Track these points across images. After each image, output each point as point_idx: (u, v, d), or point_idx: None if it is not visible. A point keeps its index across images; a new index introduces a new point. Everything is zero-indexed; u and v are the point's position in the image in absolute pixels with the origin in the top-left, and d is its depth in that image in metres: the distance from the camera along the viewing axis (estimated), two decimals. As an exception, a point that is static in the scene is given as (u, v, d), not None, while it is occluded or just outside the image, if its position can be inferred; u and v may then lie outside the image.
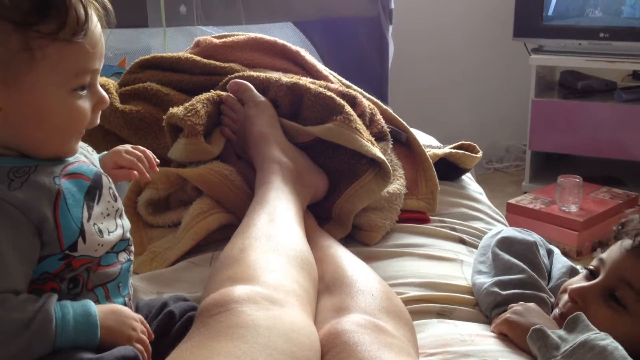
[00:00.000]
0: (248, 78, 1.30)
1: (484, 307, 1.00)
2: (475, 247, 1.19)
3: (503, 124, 3.38)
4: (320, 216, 1.21)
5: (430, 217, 1.29)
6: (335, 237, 1.15)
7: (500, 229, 1.16)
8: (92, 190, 0.77)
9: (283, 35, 2.30)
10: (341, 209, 1.20)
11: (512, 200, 2.64)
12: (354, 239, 1.21)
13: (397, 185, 1.26)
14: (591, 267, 0.96)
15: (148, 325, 0.80)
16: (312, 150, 1.25)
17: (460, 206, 1.35)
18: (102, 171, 0.80)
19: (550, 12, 2.98)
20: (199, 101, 1.23)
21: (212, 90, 1.29)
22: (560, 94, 3.11)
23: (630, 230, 0.94)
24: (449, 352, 0.88)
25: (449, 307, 1.01)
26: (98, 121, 0.78)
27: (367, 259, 1.10)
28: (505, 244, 1.06)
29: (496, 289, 0.98)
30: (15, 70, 0.69)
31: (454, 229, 1.26)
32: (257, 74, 1.33)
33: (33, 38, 0.69)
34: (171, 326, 0.84)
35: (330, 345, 0.74)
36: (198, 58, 1.40)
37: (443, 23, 3.34)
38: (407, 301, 1.00)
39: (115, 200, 0.81)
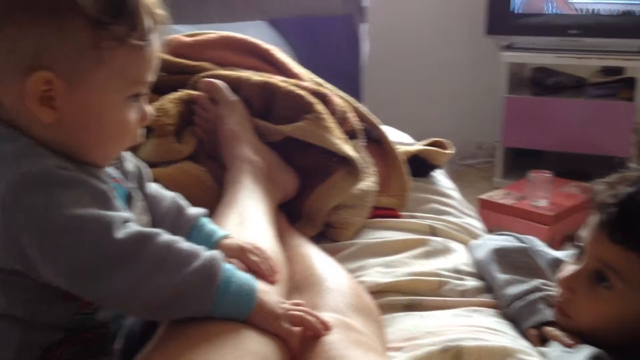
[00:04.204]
0: (219, 77, 1.30)
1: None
2: (447, 234, 1.21)
3: (475, 120, 3.42)
4: (291, 214, 1.21)
5: (401, 214, 1.31)
6: (306, 235, 1.16)
7: (482, 241, 1.17)
8: (129, 198, 0.77)
9: (257, 33, 2.29)
10: (312, 207, 1.20)
11: (484, 196, 2.67)
12: (324, 236, 1.22)
13: (368, 182, 1.26)
14: (579, 244, 0.95)
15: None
16: (283, 148, 1.25)
17: (431, 202, 1.36)
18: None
19: (520, 9, 3.02)
20: (170, 101, 1.23)
21: (182, 90, 1.29)
22: (532, 90, 3.16)
23: (597, 204, 0.92)
24: (417, 344, 0.89)
25: (416, 299, 1.03)
26: (140, 138, 0.77)
27: (335, 253, 1.12)
28: (501, 255, 1.07)
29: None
30: (82, 67, 0.68)
31: (424, 222, 1.27)
32: (229, 72, 1.32)
33: (104, 38, 0.68)
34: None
35: (300, 345, 0.75)
36: (168, 57, 1.39)
37: (416, 21, 3.36)
38: (374, 293, 1.02)
39: (145, 215, 0.80)
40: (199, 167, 1.21)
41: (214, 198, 1.17)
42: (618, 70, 3.11)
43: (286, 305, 0.75)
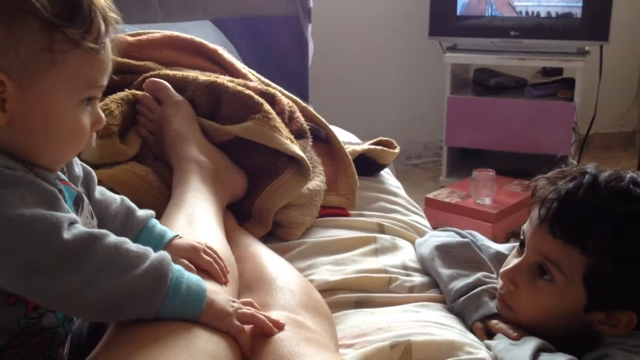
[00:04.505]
0: (164, 77, 1.28)
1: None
2: (395, 232, 1.23)
3: (421, 120, 3.47)
4: (240, 214, 1.21)
5: (350, 212, 1.31)
6: (255, 235, 1.15)
7: (425, 238, 1.19)
8: (78, 200, 0.75)
9: (202, 33, 2.27)
10: (261, 207, 1.20)
11: (430, 195, 2.71)
12: (275, 236, 1.22)
13: (317, 182, 1.27)
14: (521, 238, 0.97)
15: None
16: (231, 149, 1.24)
17: (379, 200, 1.38)
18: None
19: (462, 12, 3.08)
20: (113, 101, 1.21)
21: (126, 90, 1.26)
22: (474, 91, 3.22)
23: (536, 199, 0.94)
24: (367, 340, 0.90)
25: (365, 296, 1.04)
26: (94, 143, 0.76)
27: (285, 252, 1.12)
28: (443, 251, 1.08)
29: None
30: (34, 70, 0.67)
31: (372, 220, 1.28)
32: (174, 72, 1.31)
33: (58, 40, 0.67)
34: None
35: (251, 343, 0.74)
36: (112, 56, 1.36)
37: (362, 22, 3.39)
38: (325, 291, 1.02)
39: (92, 218, 0.79)
40: (144, 168, 1.19)
41: (160, 199, 1.16)
42: (557, 71, 3.20)
43: (236, 304, 0.75)
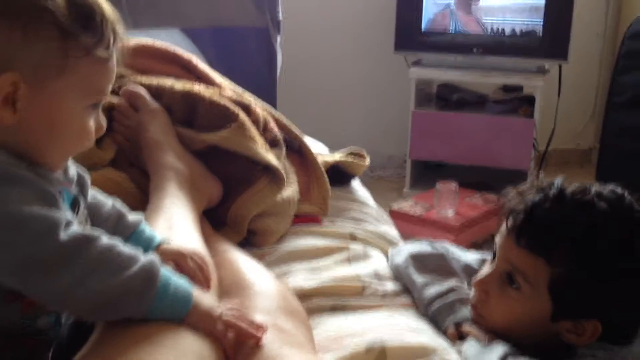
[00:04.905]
0: (140, 84, 1.29)
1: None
2: (366, 241, 1.26)
3: (385, 133, 3.53)
4: (214, 221, 1.22)
5: (322, 221, 1.34)
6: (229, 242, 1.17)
7: (400, 247, 1.22)
8: (75, 203, 0.77)
9: (171, 41, 2.27)
10: (236, 215, 1.22)
11: (395, 207, 2.76)
12: (249, 243, 1.23)
13: (290, 191, 1.29)
14: (494, 250, 1.00)
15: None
16: (206, 157, 1.26)
17: (350, 210, 1.41)
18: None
19: (426, 27, 3.14)
20: (91, 107, 1.21)
21: (103, 96, 1.27)
22: (437, 105, 3.29)
23: (506, 210, 0.97)
24: (342, 345, 0.92)
25: (340, 301, 1.06)
26: (92, 144, 0.78)
27: (260, 259, 1.14)
28: (418, 260, 1.12)
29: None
30: (46, 74, 0.69)
31: (344, 228, 1.31)
32: (150, 80, 1.32)
33: (71, 47, 0.69)
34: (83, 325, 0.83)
35: (235, 346, 0.76)
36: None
37: (328, 37, 3.44)
38: (300, 297, 1.04)
39: (87, 223, 0.80)
40: (120, 174, 1.20)
41: (136, 205, 1.16)
42: (518, 88, 3.29)
43: (222, 308, 0.77)
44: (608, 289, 0.90)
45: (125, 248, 0.71)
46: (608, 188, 0.95)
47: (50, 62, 0.69)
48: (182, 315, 0.73)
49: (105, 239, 0.70)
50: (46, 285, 0.66)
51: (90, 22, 0.71)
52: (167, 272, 0.73)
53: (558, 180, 0.96)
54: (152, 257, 0.73)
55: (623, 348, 0.91)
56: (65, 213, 0.70)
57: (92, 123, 0.75)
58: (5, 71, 0.68)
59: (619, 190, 0.95)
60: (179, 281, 0.74)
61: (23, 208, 0.66)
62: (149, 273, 0.71)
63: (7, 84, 0.68)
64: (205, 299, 0.76)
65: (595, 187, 0.95)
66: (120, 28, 0.75)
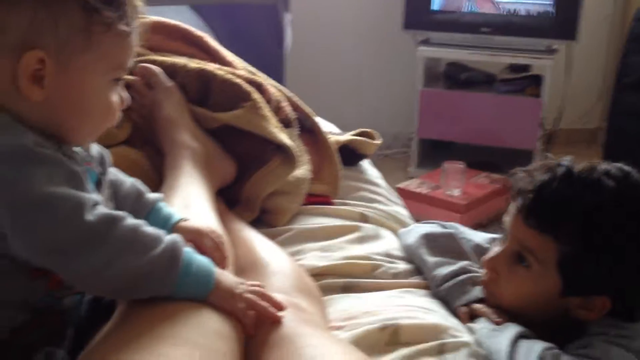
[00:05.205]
0: (155, 62, 1.30)
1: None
2: (377, 221, 1.27)
3: (391, 112, 3.53)
4: (228, 200, 1.23)
5: (334, 201, 1.35)
6: (243, 220, 1.18)
7: (411, 227, 1.23)
8: (99, 182, 0.78)
9: (181, 18, 2.26)
10: (249, 193, 1.23)
11: (401, 185, 2.77)
12: (261, 221, 1.25)
13: (303, 170, 1.30)
14: (504, 227, 1.01)
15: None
16: (220, 135, 1.26)
17: (361, 190, 1.42)
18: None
19: (436, 6, 3.13)
20: (106, 85, 1.22)
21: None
22: (445, 84, 3.29)
23: (515, 190, 0.99)
24: (356, 323, 0.94)
25: (352, 281, 1.08)
26: (117, 119, 0.79)
27: (273, 238, 1.15)
28: (429, 239, 1.13)
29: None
30: (71, 49, 0.70)
31: (355, 209, 1.32)
32: (163, 58, 1.32)
33: (95, 22, 0.70)
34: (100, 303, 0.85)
35: (255, 323, 0.78)
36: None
37: (337, 14, 3.42)
38: (312, 276, 1.06)
39: (111, 201, 0.81)
40: (136, 152, 1.21)
41: (151, 183, 1.16)
42: (525, 68, 3.29)
43: (243, 286, 0.78)
44: (615, 265, 0.92)
45: (149, 228, 0.72)
46: (615, 166, 0.96)
47: (75, 38, 0.70)
48: (205, 294, 0.74)
49: (130, 219, 0.71)
50: (73, 266, 0.67)
51: None
52: (190, 251, 0.75)
53: (566, 160, 0.97)
54: (175, 236, 0.74)
55: (635, 325, 0.93)
56: (91, 194, 0.71)
57: (115, 97, 0.77)
58: (31, 48, 0.68)
59: (626, 168, 0.96)
60: (202, 260, 0.75)
61: (50, 189, 0.67)
62: (173, 252, 0.72)
63: (33, 61, 0.69)
64: (227, 277, 0.78)
65: (602, 166, 0.96)
66: (139, 3, 0.76)
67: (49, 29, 0.69)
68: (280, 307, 0.80)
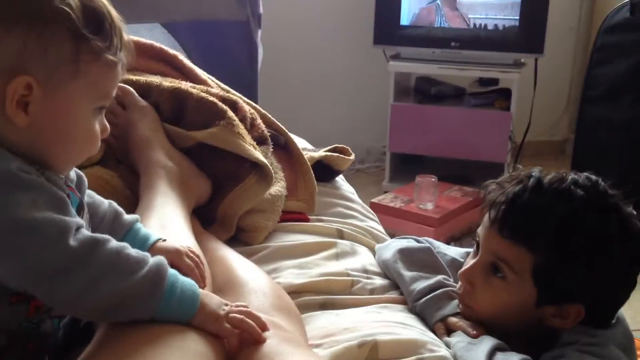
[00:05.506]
0: (128, 82, 1.29)
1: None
2: (353, 239, 1.28)
3: (364, 126, 3.55)
4: (203, 219, 1.23)
5: (309, 217, 1.36)
6: (219, 239, 1.18)
7: (387, 243, 1.24)
8: (80, 207, 0.78)
9: (151, 36, 2.27)
10: (225, 212, 1.23)
11: (375, 200, 2.78)
12: (237, 240, 1.25)
13: (278, 187, 1.31)
14: (477, 240, 1.03)
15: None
16: (195, 154, 1.26)
17: (337, 206, 1.42)
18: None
19: (411, 21, 3.17)
20: (79, 105, 1.21)
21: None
22: (416, 98, 3.32)
23: (487, 202, 1.01)
24: (334, 340, 0.94)
25: (330, 298, 1.08)
26: (98, 148, 0.80)
27: (249, 256, 1.15)
28: (405, 254, 1.14)
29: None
30: (59, 77, 0.70)
31: (332, 225, 1.33)
32: (137, 77, 1.32)
33: (83, 51, 0.71)
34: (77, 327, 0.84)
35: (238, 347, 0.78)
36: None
37: (308, 30, 3.44)
38: (290, 293, 1.06)
39: (89, 227, 0.81)
40: (109, 172, 1.20)
41: (125, 203, 1.16)
42: (493, 81, 3.34)
43: (227, 308, 0.78)
44: (589, 273, 0.94)
45: (133, 251, 0.72)
46: (583, 175, 0.99)
47: (64, 66, 0.71)
48: (189, 316, 0.74)
49: (113, 242, 0.71)
50: (57, 289, 0.67)
51: (101, 27, 0.72)
52: (174, 274, 0.75)
53: (536, 171, 1.00)
54: (160, 258, 0.74)
55: (606, 332, 0.95)
56: (75, 218, 0.71)
57: (97, 126, 0.77)
58: (20, 74, 0.69)
59: (593, 177, 0.99)
60: (186, 282, 0.75)
61: (35, 213, 0.67)
62: (157, 275, 0.72)
63: (21, 86, 0.69)
64: (212, 299, 0.78)
65: (571, 175, 0.98)
66: (125, 34, 0.77)
67: (39, 56, 0.69)
68: (264, 327, 0.80)
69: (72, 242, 0.68)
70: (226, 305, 0.78)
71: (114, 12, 0.75)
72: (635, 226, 0.96)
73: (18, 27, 0.68)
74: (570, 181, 0.97)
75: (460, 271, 1.04)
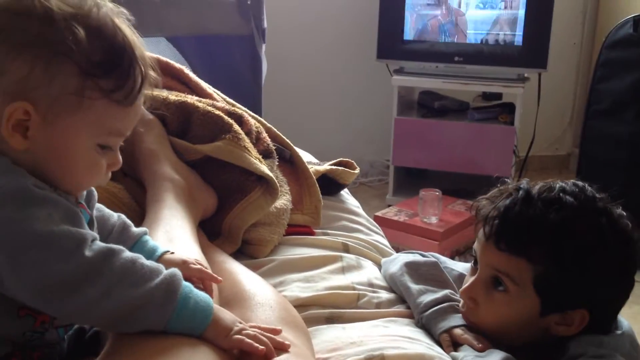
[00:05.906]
0: (135, 95, 1.30)
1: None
2: (358, 253, 1.28)
3: (368, 140, 3.56)
4: (208, 232, 1.23)
5: (315, 231, 1.36)
6: (225, 252, 1.18)
7: (394, 257, 1.24)
8: (90, 223, 0.78)
9: (157, 50, 2.29)
10: (231, 225, 1.23)
11: (379, 213, 2.78)
12: (242, 253, 1.24)
13: (283, 200, 1.31)
14: (474, 256, 1.03)
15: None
16: (201, 167, 1.27)
17: (342, 219, 1.42)
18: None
19: (409, 36, 3.18)
20: (86, 118, 1.21)
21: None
22: (419, 113, 3.32)
23: (480, 218, 1.01)
24: (341, 354, 0.94)
25: (336, 311, 1.08)
26: (107, 180, 0.79)
27: (255, 269, 1.15)
28: (412, 268, 1.14)
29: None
30: (60, 109, 0.70)
31: (337, 239, 1.33)
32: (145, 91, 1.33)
33: (89, 88, 0.70)
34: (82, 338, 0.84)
35: (246, 356, 0.77)
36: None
37: (311, 45, 3.46)
38: (296, 307, 1.05)
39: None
40: (115, 185, 1.20)
41: (132, 216, 1.16)
42: (497, 96, 3.34)
43: (241, 325, 0.77)
44: (588, 277, 0.94)
45: (147, 261, 0.72)
46: (570, 182, 1.00)
47: (66, 99, 0.70)
48: (201, 329, 0.74)
49: (127, 252, 0.72)
50: (70, 299, 0.67)
51: (115, 67, 0.72)
52: (189, 286, 0.74)
53: (524, 183, 1.00)
54: (174, 270, 0.74)
55: (611, 339, 0.95)
56: (89, 231, 0.72)
57: (102, 160, 0.76)
58: (20, 99, 0.69)
59: (579, 183, 1.00)
60: (200, 295, 0.75)
61: (51, 227, 0.67)
62: (170, 285, 0.72)
63: (19, 111, 0.69)
64: (226, 314, 0.77)
65: (558, 183, 0.99)
66: (152, 74, 0.76)
67: (43, 85, 0.69)
68: (284, 347, 0.79)
69: (88, 252, 0.68)
70: (240, 323, 0.78)
71: (140, 51, 0.74)
72: (627, 226, 0.97)
73: (27, 53, 0.68)
74: (559, 189, 0.97)
75: (461, 289, 1.04)
